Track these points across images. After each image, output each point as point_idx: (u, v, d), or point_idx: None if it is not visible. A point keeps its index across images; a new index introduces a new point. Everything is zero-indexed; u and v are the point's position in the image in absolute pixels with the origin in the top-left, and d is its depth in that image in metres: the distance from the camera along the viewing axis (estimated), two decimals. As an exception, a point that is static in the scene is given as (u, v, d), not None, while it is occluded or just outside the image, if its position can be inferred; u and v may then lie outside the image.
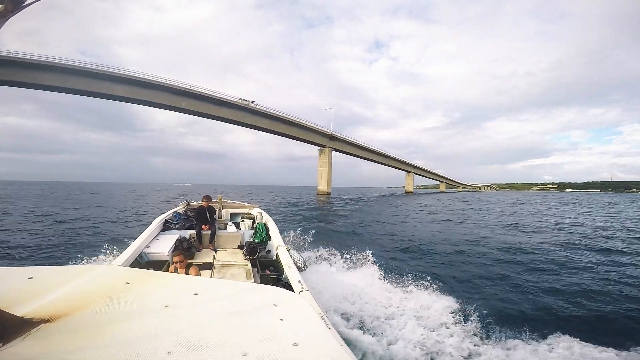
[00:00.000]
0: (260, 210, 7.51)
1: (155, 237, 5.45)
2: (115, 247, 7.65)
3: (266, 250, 5.85)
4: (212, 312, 1.40)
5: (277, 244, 5.17)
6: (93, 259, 7.15)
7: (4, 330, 1.03)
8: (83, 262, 6.92)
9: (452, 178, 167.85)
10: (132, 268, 2.11)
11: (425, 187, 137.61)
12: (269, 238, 5.98)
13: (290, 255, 4.43)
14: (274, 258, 5.24)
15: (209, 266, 4.83)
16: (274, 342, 1.24)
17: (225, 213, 8.21)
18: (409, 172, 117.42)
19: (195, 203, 7.73)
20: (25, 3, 1.04)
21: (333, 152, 75.31)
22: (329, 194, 71.12)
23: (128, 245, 4.69)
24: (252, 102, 60.19)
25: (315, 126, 70.84)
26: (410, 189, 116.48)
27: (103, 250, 7.68)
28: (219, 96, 55.51)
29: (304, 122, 68.53)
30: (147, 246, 4.95)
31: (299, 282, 3.20)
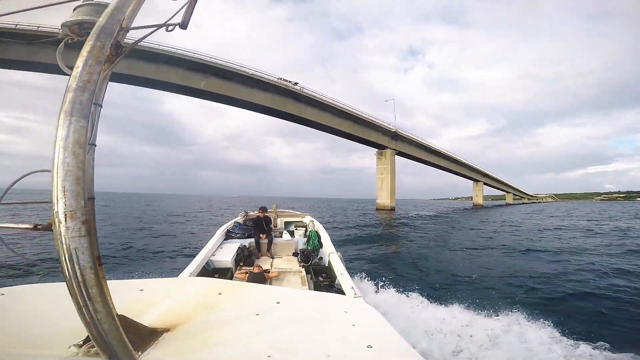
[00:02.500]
0: (312, 219, 7.80)
1: (220, 246, 5.69)
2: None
3: (318, 257, 5.88)
4: (294, 319, 1.55)
5: (329, 251, 5.28)
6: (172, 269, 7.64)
7: (138, 340, 1.13)
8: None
9: (520, 188, 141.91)
10: (221, 279, 2.23)
11: (490, 198, 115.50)
12: (321, 245, 6.10)
13: (342, 262, 4.54)
14: (326, 265, 5.33)
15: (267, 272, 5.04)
16: (350, 345, 1.37)
17: (280, 222, 8.51)
18: (478, 181, 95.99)
19: (252, 213, 8.11)
20: (126, 48, 1.13)
21: (394, 154, 56.66)
22: (392, 209, 53.27)
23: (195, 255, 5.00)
24: (295, 83, 43.61)
25: (377, 121, 52.95)
26: (480, 201, 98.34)
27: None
28: (251, 72, 39.40)
29: (362, 114, 50.85)
30: (213, 254, 5.20)
31: (352, 288, 3.28)
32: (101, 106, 1.07)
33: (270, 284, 4.38)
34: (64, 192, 0.44)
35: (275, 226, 8.09)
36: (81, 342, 1.13)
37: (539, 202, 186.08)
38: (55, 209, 0.41)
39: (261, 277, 4.38)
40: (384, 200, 54.48)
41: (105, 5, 0.95)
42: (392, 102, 66.23)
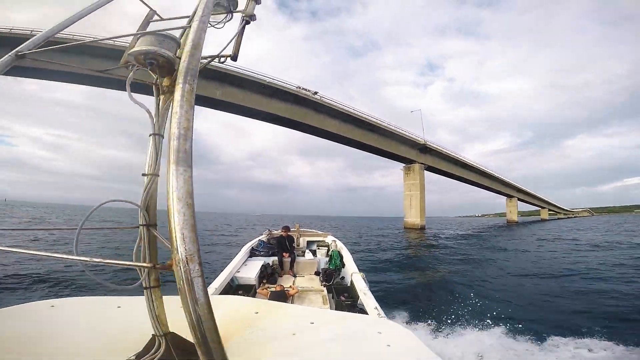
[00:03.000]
0: (334, 238, 7.89)
1: (244, 263, 5.80)
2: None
3: (340, 276, 5.84)
4: (330, 339, 1.53)
5: (352, 271, 5.27)
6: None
7: (186, 356, 1.12)
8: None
9: (556, 203, 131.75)
10: (256, 299, 2.30)
11: (520, 213, 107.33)
12: (343, 265, 6.10)
13: (366, 282, 4.57)
14: (349, 285, 5.28)
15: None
16: None
17: (302, 241, 8.55)
18: (512, 197, 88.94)
19: (276, 232, 8.24)
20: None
21: (422, 169, 52.01)
22: (422, 227, 48.49)
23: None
24: (315, 92, 40.38)
25: (404, 132, 48.73)
26: (514, 217, 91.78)
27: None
28: (268, 80, 36.49)
29: (389, 125, 46.87)
30: (238, 271, 5.29)
31: (376, 308, 3.25)
32: (163, 136, 1.09)
33: (291, 301, 4.43)
34: (184, 239, 0.52)
35: (297, 245, 8.12)
36: (133, 357, 1.16)
37: (574, 216, 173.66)
38: (177, 254, 0.49)
39: (283, 295, 4.42)
40: (413, 218, 49.82)
41: (172, 38, 1.05)
42: (419, 113, 61.73)
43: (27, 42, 0.93)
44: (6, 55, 0.87)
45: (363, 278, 4.68)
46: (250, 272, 5.33)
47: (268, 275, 5.63)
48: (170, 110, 0.63)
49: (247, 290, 4.74)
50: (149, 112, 1.10)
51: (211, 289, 3.76)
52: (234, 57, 1.09)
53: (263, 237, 7.78)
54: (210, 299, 1.20)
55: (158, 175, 1.06)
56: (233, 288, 4.78)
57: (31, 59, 0.93)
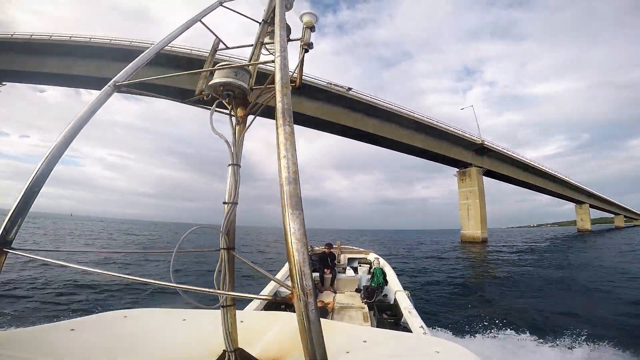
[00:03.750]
0: (377, 256, 7.83)
1: (287, 278, 4.50)
2: None
3: (383, 294, 5.73)
4: (384, 357, 1.48)
5: (396, 289, 5.23)
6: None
7: None
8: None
9: (633, 209, 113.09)
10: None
11: (593, 221, 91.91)
12: (386, 282, 6.04)
13: (411, 301, 4.51)
14: (392, 302, 5.20)
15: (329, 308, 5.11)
16: None
17: (344, 258, 8.51)
18: (583, 203, 75.93)
19: (317, 248, 8.19)
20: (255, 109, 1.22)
21: (481, 173, 43.50)
22: (483, 240, 40.14)
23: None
24: (349, 88, 34.20)
25: (457, 131, 40.93)
26: (587, 225, 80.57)
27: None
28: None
29: (439, 123, 39.36)
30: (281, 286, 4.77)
31: (422, 327, 3.20)
32: (240, 166, 1.13)
33: (331, 317, 4.49)
34: (303, 275, 0.55)
35: (338, 262, 8.06)
36: None
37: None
38: (298, 288, 0.54)
39: (324, 310, 4.49)
40: (471, 230, 41.50)
41: (245, 69, 1.09)
42: (471, 109, 53.19)
43: (122, 72, 0.94)
44: (105, 86, 0.91)
45: (408, 296, 4.61)
46: None
47: None
48: (278, 149, 0.65)
49: (288, 305, 4.24)
50: (228, 143, 1.12)
51: (256, 302, 3.70)
52: (299, 87, 1.14)
53: None
54: (267, 315, 1.63)
55: (237, 204, 1.10)
56: (276, 302, 4.22)
57: (126, 89, 0.93)
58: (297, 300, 0.57)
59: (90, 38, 31.80)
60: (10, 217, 0.73)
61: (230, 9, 1.38)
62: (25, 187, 0.75)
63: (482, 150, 43.19)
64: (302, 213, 0.59)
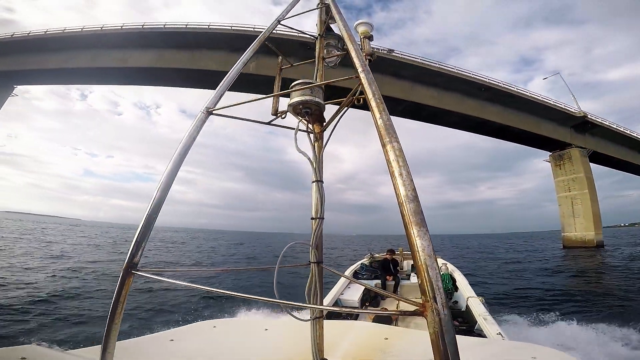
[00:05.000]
0: (445, 261, 7.44)
1: (347, 286, 5.98)
2: None
3: (452, 301, 5.76)
4: None
5: (468, 295, 5.11)
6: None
7: None
8: None
9: None
10: (384, 325, 2.34)
11: None
12: (456, 289, 5.96)
13: (486, 307, 4.35)
14: (463, 309, 5.11)
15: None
16: None
17: (407, 264, 8.34)
18: None
19: (378, 255, 8.21)
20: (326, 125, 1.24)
21: (586, 156, 31.54)
22: (598, 245, 28.44)
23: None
24: (390, 50, 25.83)
25: (547, 100, 29.89)
26: None
27: None
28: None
29: (520, 90, 28.89)
30: (342, 293, 5.42)
31: (499, 334, 3.09)
32: (323, 182, 1.15)
33: (395, 324, 4.32)
34: (438, 290, 0.56)
35: (401, 268, 7.91)
36: None
37: None
38: (432, 303, 0.55)
39: (387, 318, 4.43)
40: (580, 232, 29.85)
41: (319, 86, 1.12)
42: (558, 77, 40.98)
43: (211, 98, 0.99)
44: (199, 113, 0.96)
45: (482, 302, 4.51)
46: (353, 295, 5.36)
47: (371, 298, 5.67)
48: (390, 168, 0.65)
49: (350, 313, 4.51)
50: (310, 161, 1.14)
51: (368, 322, 3.35)
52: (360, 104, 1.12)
53: (365, 261, 7.77)
54: (340, 324, 1.73)
55: (323, 219, 1.12)
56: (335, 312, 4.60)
57: (218, 114, 0.99)
58: (432, 314, 0.56)
59: (102, 27, 27.78)
60: (135, 241, 0.78)
61: (288, 26, 1.36)
62: (146, 213, 0.81)
63: (583, 125, 31.43)
64: (427, 229, 0.59)
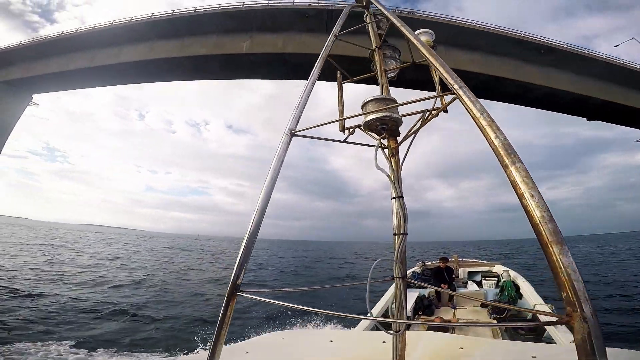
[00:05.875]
0: (506, 268, 7.28)
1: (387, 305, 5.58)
2: None
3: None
4: None
5: (535, 302, 5.08)
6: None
7: None
8: None
9: None
10: (458, 335, 2.42)
11: None
12: (520, 296, 5.74)
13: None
14: (529, 317, 4.94)
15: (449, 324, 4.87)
16: None
17: (462, 272, 8.19)
18: None
19: (430, 263, 8.07)
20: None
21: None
22: None
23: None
24: (410, 12, 20.74)
25: (633, 64, 22.30)
26: None
27: None
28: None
29: (592, 52, 21.93)
30: (393, 303, 5.18)
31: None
32: (403, 197, 1.14)
33: (452, 333, 4.25)
34: (586, 300, 0.55)
35: (457, 276, 7.77)
36: None
37: None
38: (577, 312, 0.55)
39: (443, 327, 4.34)
40: None
41: (392, 100, 1.10)
42: (633, 42, 33.05)
43: (292, 119, 1.00)
44: (283, 135, 0.97)
45: (552, 310, 4.45)
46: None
47: (424, 307, 5.52)
48: (516, 190, 0.63)
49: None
50: (389, 177, 1.14)
51: (439, 333, 3.02)
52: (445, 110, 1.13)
53: (416, 269, 7.50)
54: (408, 335, 1.39)
55: (407, 234, 1.12)
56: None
57: (300, 135, 1.01)
58: (579, 321, 0.56)
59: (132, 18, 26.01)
60: (238, 263, 0.81)
61: (344, 41, 1.34)
62: (246, 237, 0.84)
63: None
64: (567, 247, 0.58)
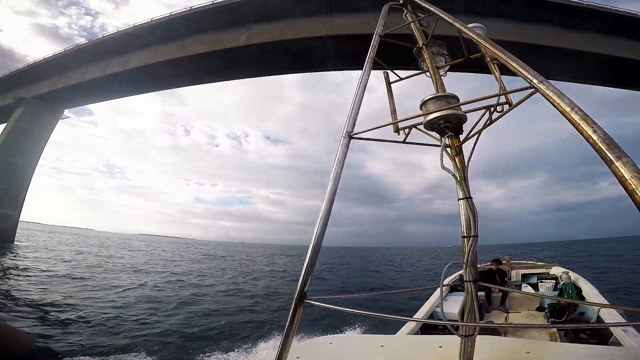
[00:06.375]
0: (566, 269, 6.97)
1: (444, 298, 5.61)
2: None
3: (578, 312, 5.16)
4: None
5: (600, 306, 5.03)
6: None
7: None
8: None
9: None
10: (527, 339, 2.08)
11: None
12: (582, 299, 5.45)
13: (625, 319, 4.13)
14: (593, 321, 4.79)
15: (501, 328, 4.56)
16: None
17: (516, 274, 7.95)
18: None
19: (480, 266, 5.94)
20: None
21: None
22: None
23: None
24: None
25: None
26: None
27: None
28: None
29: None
30: (437, 306, 5.16)
31: None
32: (471, 197, 1.10)
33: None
34: None
35: (509, 279, 7.55)
36: None
37: None
38: None
39: (495, 331, 4.08)
40: None
41: (453, 96, 1.06)
42: None
43: (349, 122, 0.98)
44: (342, 138, 0.95)
45: (620, 313, 4.14)
46: (451, 307, 4.90)
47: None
48: None
49: (446, 326, 2.98)
50: (456, 178, 1.09)
51: (412, 324, 3.64)
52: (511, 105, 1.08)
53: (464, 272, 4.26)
54: (447, 339, 1.55)
55: (477, 236, 1.07)
56: (430, 325, 4.68)
57: (358, 138, 0.99)
58: None
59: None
60: (304, 271, 0.82)
61: (388, 40, 1.32)
62: (311, 244, 0.84)
63: None
64: None
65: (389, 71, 1.35)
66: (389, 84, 1.30)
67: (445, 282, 6.17)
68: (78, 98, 32.95)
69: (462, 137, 1.11)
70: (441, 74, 1.28)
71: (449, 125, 1.05)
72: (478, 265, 3.56)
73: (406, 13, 1.39)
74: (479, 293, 5.49)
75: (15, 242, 28.97)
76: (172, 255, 37.49)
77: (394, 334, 3.34)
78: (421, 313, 4.46)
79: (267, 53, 21.19)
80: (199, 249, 65.18)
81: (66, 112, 37.10)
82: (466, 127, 1.11)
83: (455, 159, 1.10)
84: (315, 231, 0.85)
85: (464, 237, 1.07)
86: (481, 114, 1.07)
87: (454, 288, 6.46)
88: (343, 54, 20.30)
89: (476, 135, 1.11)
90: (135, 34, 23.82)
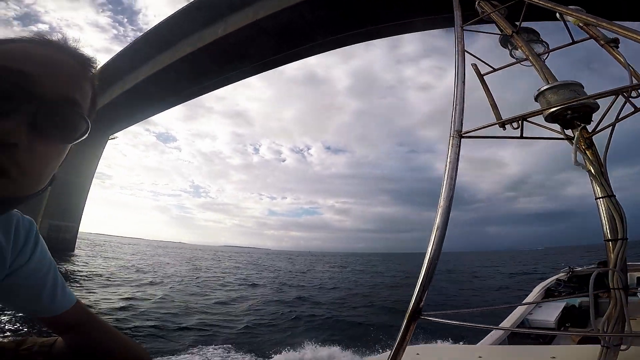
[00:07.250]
0: None
1: (538, 305, 5.22)
2: None
3: None
4: None
5: None
6: None
7: None
8: None
9: None
10: (594, 345, 1.80)
11: None
12: None
13: None
14: None
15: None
16: None
17: (630, 277, 5.77)
18: None
19: (579, 269, 6.88)
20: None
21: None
22: None
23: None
24: None
25: None
26: None
27: None
28: None
29: None
30: (530, 313, 4.82)
31: None
32: (614, 195, 1.02)
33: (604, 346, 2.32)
34: None
35: None
36: None
37: None
38: None
39: (594, 340, 3.01)
40: None
41: (576, 83, 1.01)
42: None
43: (456, 121, 0.98)
44: (451, 138, 0.94)
45: None
46: (547, 315, 4.60)
47: (575, 317, 4.81)
48: None
49: (539, 335, 4.03)
50: (591, 173, 1.01)
51: (498, 332, 3.29)
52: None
53: (562, 276, 6.62)
54: (560, 350, 1.42)
55: (626, 239, 0.97)
56: (520, 333, 4.42)
57: (468, 136, 0.99)
58: None
59: None
60: (420, 286, 0.79)
61: (471, 30, 1.34)
62: (427, 258, 0.81)
63: None
64: None
65: (476, 63, 1.30)
66: (481, 76, 1.27)
67: (539, 287, 5.66)
68: (114, 121, 36.40)
69: (589, 127, 1.01)
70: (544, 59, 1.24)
71: (576, 116, 0.98)
72: (577, 268, 4.97)
73: (478, 3, 1.42)
74: (582, 299, 5.06)
75: (75, 251, 33.04)
76: (293, 266, 40.03)
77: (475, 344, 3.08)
78: (510, 321, 4.23)
79: (247, 39, 20.29)
80: (293, 258, 71.17)
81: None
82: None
83: (587, 152, 1.01)
84: (432, 243, 0.81)
85: (607, 240, 0.98)
86: (610, 100, 0.94)
87: (549, 294, 6.10)
88: (324, 21, 18.17)
89: (611, 126, 0.99)
90: (135, 48, 25.02)
